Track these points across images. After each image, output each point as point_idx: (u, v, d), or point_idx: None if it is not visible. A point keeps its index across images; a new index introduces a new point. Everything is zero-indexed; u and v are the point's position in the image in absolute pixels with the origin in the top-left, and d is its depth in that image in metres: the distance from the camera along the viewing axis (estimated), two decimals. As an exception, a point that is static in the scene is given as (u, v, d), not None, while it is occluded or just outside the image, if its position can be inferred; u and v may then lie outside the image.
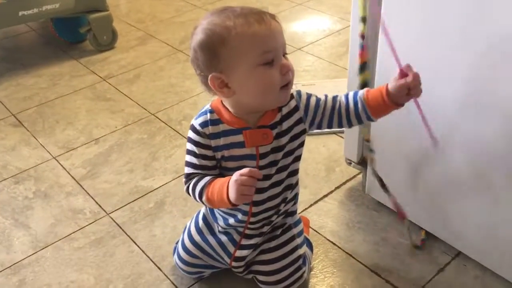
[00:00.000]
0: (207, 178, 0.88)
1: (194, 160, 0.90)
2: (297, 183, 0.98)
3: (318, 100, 0.91)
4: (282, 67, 0.82)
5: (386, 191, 1.07)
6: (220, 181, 0.85)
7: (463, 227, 1.04)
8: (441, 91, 0.94)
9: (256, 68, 0.80)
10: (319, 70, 1.81)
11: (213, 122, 0.88)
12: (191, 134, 0.90)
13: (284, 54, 0.83)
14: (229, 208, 0.95)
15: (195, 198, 0.90)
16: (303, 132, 0.92)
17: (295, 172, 0.95)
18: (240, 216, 0.95)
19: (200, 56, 0.82)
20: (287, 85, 0.83)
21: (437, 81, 0.94)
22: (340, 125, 0.91)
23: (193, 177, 0.90)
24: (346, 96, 0.91)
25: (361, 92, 0.89)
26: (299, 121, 0.90)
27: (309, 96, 0.91)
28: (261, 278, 1.00)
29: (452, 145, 0.97)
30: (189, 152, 0.91)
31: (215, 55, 0.81)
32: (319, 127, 0.92)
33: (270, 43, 0.80)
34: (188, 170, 0.91)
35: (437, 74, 0.93)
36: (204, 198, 0.87)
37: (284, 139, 0.90)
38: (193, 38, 0.84)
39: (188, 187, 0.90)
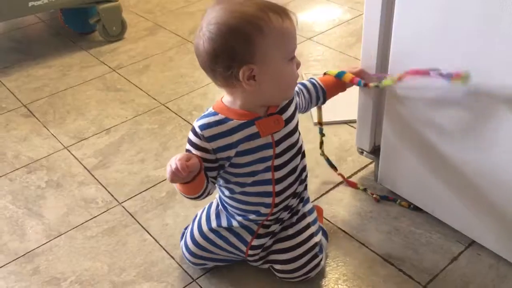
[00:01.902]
0: None
1: None
2: (306, 164, 1.01)
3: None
4: (298, 64, 0.87)
5: (335, 168, 1.28)
6: None
7: (476, 216, 1.03)
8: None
9: (288, 62, 0.84)
10: (330, 60, 1.80)
11: (219, 122, 0.87)
12: (190, 135, 0.89)
13: None
14: (250, 205, 0.95)
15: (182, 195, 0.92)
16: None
17: (304, 154, 0.99)
18: (262, 210, 0.96)
19: (235, 44, 0.79)
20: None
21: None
22: (305, 110, 1.06)
23: None
24: (304, 85, 1.05)
25: (316, 81, 1.07)
26: (297, 106, 0.96)
27: None
28: (278, 267, 1.00)
29: (464, 131, 0.96)
30: (186, 151, 0.90)
31: (252, 44, 0.79)
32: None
33: (295, 39, 0.85)
34: None
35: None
36: (178, 191, 0.91)
37: (293, 123, 0.93)
38: (213, 26, 0.79)
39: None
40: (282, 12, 0.82)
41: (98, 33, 2.01)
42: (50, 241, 1.17)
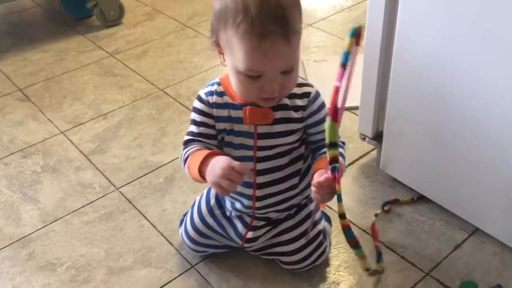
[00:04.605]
0: (196, 147, 0.87)
1: (193, 128, 0.90)
2: (308, 170, 0.95)
3: (320, 120, 0.89)
4: (265, 87, 0.78)
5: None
6: (201, 153, 0.83)
7: (480, 203, 1.02)
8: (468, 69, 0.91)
9: (239, 73, 0.78)
10: (331, 46, 1.78)
11: (218, 94, 0.88)
12: (195, 103, 0.90)
13: (287, 70, 0.78)
14: (233, 192, 0.93)
15: (184, 167, 0.88)
16: (299, 130, 0.90)
17: (300, 158, 0.93)
18: (245, 201, 0.94)
19: (215, 16, 0.79)
20: (267, 98, 0.81)
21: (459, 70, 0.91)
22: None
23: (189, 146, 0.88)
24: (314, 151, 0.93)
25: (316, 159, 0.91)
26: (300, 120, 0.88)
27: (321, 107, 0.90)
28: (284, 259, 0.98)
29: (468, 116, 0.94)
30: (191, 121, 0.91)
31: (215, 31, 0.79)
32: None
33: (259, 65, 0.76)
34: (185, 138, 0.90)
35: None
36: (186, 169, 0.87)
37: (287, 127, 0.88)
38: None
39: (181, 155, 0.89)
40: (259, 28, 0.72)
41: (95, 17, 1.97)
42: (45, 226, 1.15)
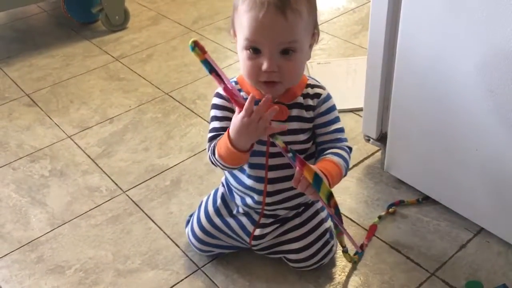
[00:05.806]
0: (219, 139, 0.88)
1: (215, 124, 0.91)
2: None
3: (328, 122, 0.92)
4: (263, 65, 0.81)
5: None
6: (224, 136, 0.85)
7: (485, 203, 1.02)
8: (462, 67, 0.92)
9: (242, 49, 0.82)
10: (334, 48, 1.79)
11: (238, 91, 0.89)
12: (215, 100, 0.92)
13: (285, 49, 0.80)
14: (245, 188, 0.95)
15: (215, 161, 0.89)
16: (309, 129, 0.92)
17: (311, 156, 0.95)
18: (256, 197, 0.95)
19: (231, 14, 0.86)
20: (266, 82, 0.83)
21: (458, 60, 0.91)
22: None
23: (213, 141, 0.90)
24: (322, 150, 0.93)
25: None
26: (310, 120, 0.91)
27: (330, 109, 0.92)
28: (291, 256, 0.99)
29: (473, 116, 0.94)
30: (212, 118, 0.92)
31: (232, 19, 0.85)
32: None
33: (253, 34, 0.79)
34: (209, 135, 0.92)
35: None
36: (216, 155, 0.87)
37: (300, 125, 0.90)
38: None
39: (208, 151, 0.90)
40: (261, 1, 0.78)
41: (100, 22, 1.99)
42: (54, 229, 1.16)
